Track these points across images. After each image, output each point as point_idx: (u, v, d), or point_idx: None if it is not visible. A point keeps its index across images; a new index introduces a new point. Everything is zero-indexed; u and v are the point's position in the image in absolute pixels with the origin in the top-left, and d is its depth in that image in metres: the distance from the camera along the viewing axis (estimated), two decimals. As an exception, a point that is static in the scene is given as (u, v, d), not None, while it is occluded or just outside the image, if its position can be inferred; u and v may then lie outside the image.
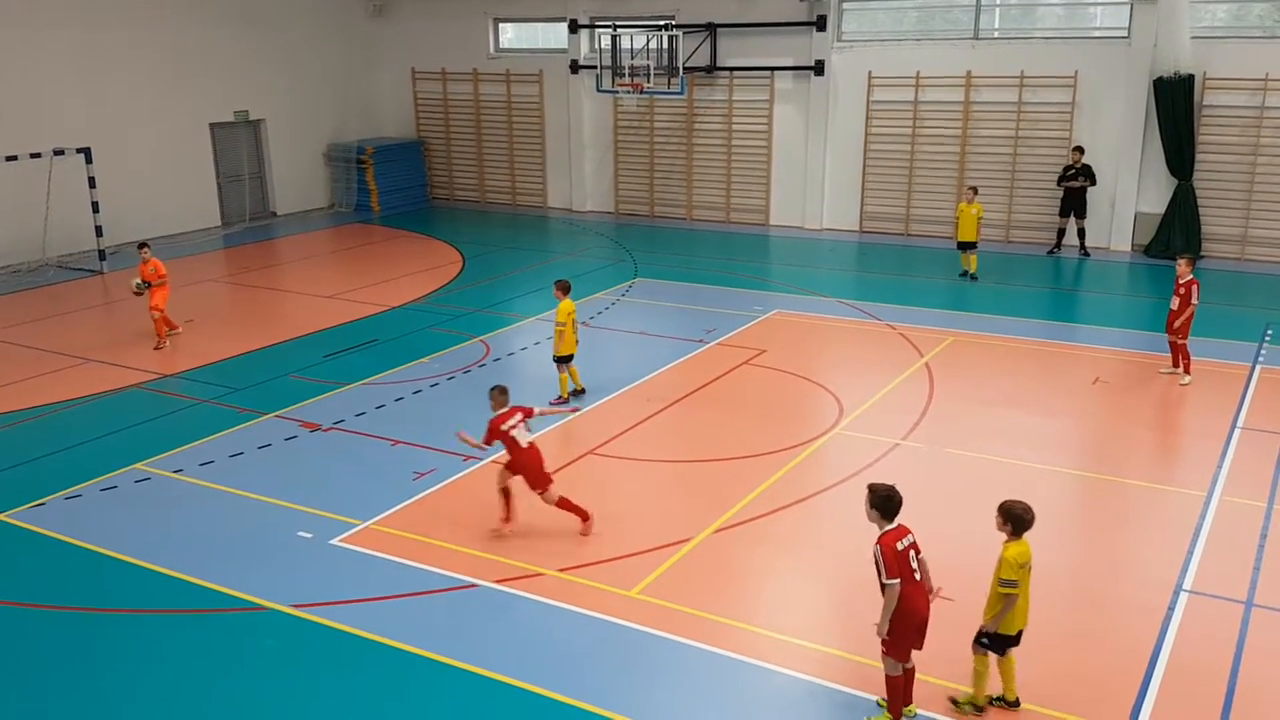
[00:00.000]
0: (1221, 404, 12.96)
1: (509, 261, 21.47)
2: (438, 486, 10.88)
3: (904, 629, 6.87)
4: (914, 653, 7.05)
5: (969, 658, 7.22)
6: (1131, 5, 20.64)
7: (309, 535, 9.87)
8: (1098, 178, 20.90)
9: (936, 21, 23.39)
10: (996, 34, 22.38)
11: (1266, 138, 19.99)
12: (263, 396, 13.61)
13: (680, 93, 23.59)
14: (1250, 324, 16.17)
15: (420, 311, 17.68)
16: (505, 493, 9.81)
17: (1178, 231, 20.67)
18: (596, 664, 7.92)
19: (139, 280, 15.77)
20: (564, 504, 9.75)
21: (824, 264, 21.14)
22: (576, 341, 13.14)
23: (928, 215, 23.12)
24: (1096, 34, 21.79)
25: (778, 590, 9.10)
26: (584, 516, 9.81)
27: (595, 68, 24.38)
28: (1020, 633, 7.12)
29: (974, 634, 7.19)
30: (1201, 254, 20.07)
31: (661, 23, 23.40)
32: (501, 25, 27.61)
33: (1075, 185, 20.84)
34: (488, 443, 9.63)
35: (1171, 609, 8.54)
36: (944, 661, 7.55)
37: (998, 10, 22.54)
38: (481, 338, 16.01)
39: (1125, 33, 20.89)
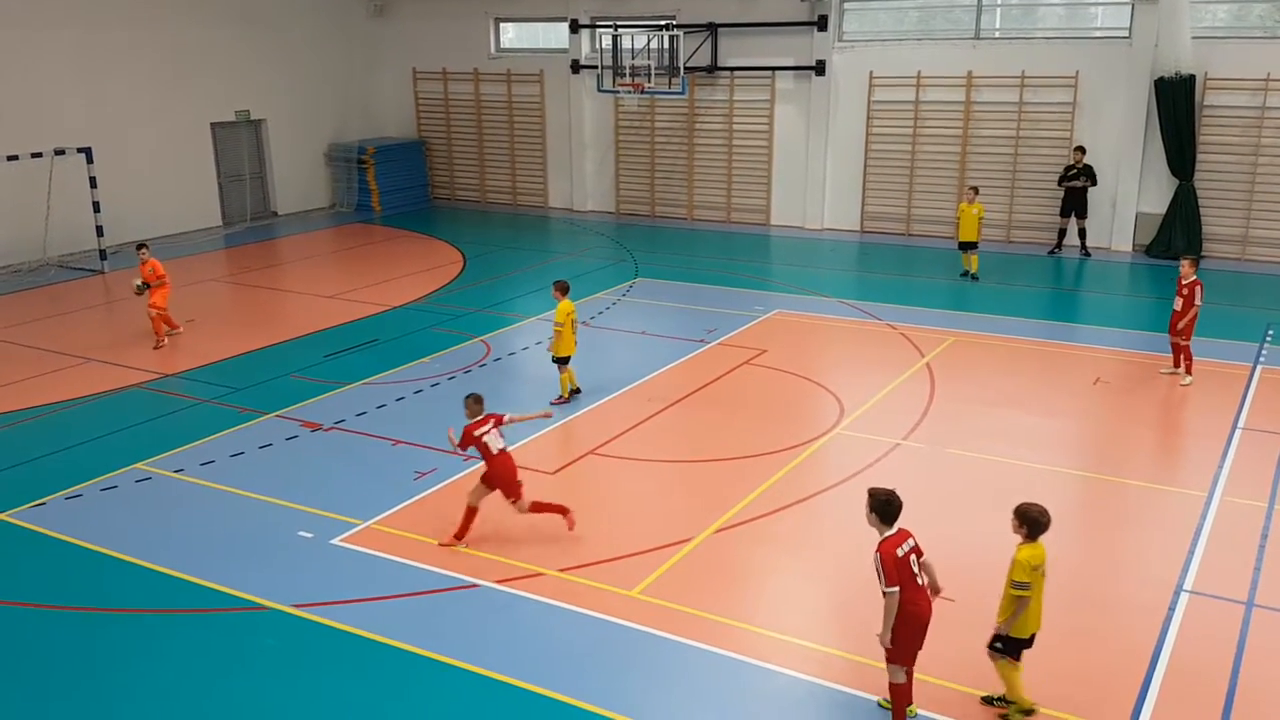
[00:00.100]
0: (1222, 404, 12.96)
1: (510, 261, 21.48)
2: (438, 486, 10.88)
3: (907, 634, 6.84)
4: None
5: (969, 658, 7.21)
6: (1132, 5, 20.64)
7: (310, 535, 9.88)
8: (1099, 178, 20.89)
9: (937, 21, 23.38)
10: (997, 34, 22.37)
11: (1267, 138, 19.98)
12: (264, 396, 13.61)
13: (681, 93, 23.58)
14: (1251, 324, 16.16)
15: (421, 311, 17.69)
16: (472, 512, 9.61)
17: (1179, 232, 20.67)
18: (597, 664, 7.92)
19: (139, 280, 15.81)
20: (538, 507, 9.69)
21: (825, 264, 21.14)
22: (575, 342, 13.13)
23: (929, 215, 23.12)
24: (1097, 34, 21.79)
25: (778, 590, 9.10)
26: (563, 512, 9.75)
27: (596, 68, 24.41)
28: (1033, 636, 7.10)
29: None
30: (1202, 254, 20.07)
31: (662, 23, 23.40)
32: (502, 25, 27.61)
33: (1076, 185, 20.83)
34: (463, 447, 9.60)
35: (1172, 609, 8.54)
36: (944, 661, 7.55)
37: (999, 10, 22.53)
38: (482, 338, 16.02)
39: (1126, 33, 20.89)
